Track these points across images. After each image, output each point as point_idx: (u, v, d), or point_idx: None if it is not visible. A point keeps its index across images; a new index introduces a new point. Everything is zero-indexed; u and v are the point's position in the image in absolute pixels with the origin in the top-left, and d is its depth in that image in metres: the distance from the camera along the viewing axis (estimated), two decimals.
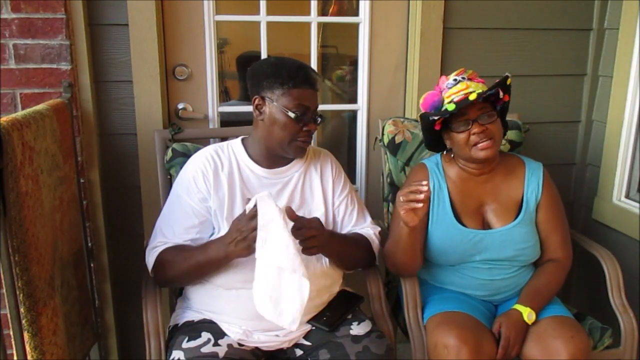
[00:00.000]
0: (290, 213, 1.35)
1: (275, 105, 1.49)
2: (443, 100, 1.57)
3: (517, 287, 1.68)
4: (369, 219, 1.71)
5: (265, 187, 1.56)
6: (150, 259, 1.53)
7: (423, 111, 1.62)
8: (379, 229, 1.71)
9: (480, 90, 1.53)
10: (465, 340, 1.45)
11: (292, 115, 1.48)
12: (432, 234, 1.65)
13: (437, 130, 1.62)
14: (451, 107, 1.53)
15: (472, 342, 1.45)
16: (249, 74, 1.56)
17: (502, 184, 1.68)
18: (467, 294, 1.68)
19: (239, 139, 1.64)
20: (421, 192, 1.38)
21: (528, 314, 1.54)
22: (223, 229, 1.50)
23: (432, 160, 1.74)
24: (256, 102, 1.52)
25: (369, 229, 1.68)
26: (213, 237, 1.52)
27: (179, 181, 1.59)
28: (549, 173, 1.72)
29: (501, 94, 1.54)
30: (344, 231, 1.67)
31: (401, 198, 1.43)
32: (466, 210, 1.66)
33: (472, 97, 1.50)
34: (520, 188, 1.68)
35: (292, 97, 1.48)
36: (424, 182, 1.40)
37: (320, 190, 1.62)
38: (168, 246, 1.51)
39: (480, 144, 1.55)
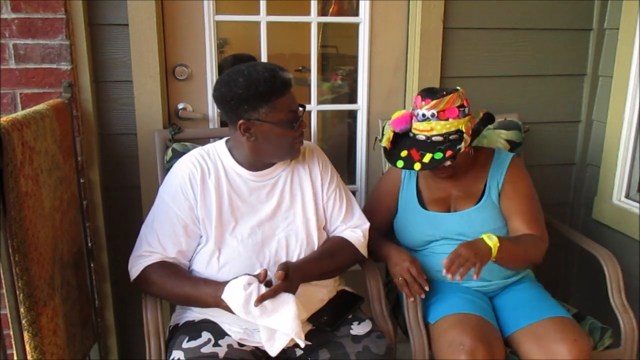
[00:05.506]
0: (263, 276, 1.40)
1: (266, 124, 1.46)
2: (411, 127, 1.68)
3: (488, 271, 1.63)
4: (357, 213, 1.70)
5: (253, 190, 1.56)
6: (134, 270, 1.51)
7: (392, 127, 1.73)
8: (367, 225, 1.69)
9: (429, 157, 1.60)
10: (481, 340, 1.47)
11: (286, 126, 1.47)
12: (399, 216, 1.81)
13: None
14: (417, 166, 1.61)
15: (486, 344, 1.48)
16: (220, 101, 1.49)
17: (468, 175, 1.77)
18: (465, 290, 1.68)
19: (223, 141, 1.61)
20: (419, 287, 1.61)
21: (489, 236, 1.53)
22: (212, 238, 1.50)
23: None
24: (243, 127, 1.46)
25: (354, 230, 1.66)
26: (201, 248, 1.52)
27: (165, 186, 1.57)
28: (520, 163, 1.78)
29: (447, 162, 1.61)
30: (333, 227, 1.66)
31: (409, 272, 1.62)
32: (431, 200, 1.78)
33: (417, 167, 1.61)
34: (484, 178, 1.75)
35: (279, 109, 1.45)
36: (426, 287, 1.62)
37: (310, 186, 1.62)
38: (154, 261, 1.49)
39: (439, 175, 1.74)
